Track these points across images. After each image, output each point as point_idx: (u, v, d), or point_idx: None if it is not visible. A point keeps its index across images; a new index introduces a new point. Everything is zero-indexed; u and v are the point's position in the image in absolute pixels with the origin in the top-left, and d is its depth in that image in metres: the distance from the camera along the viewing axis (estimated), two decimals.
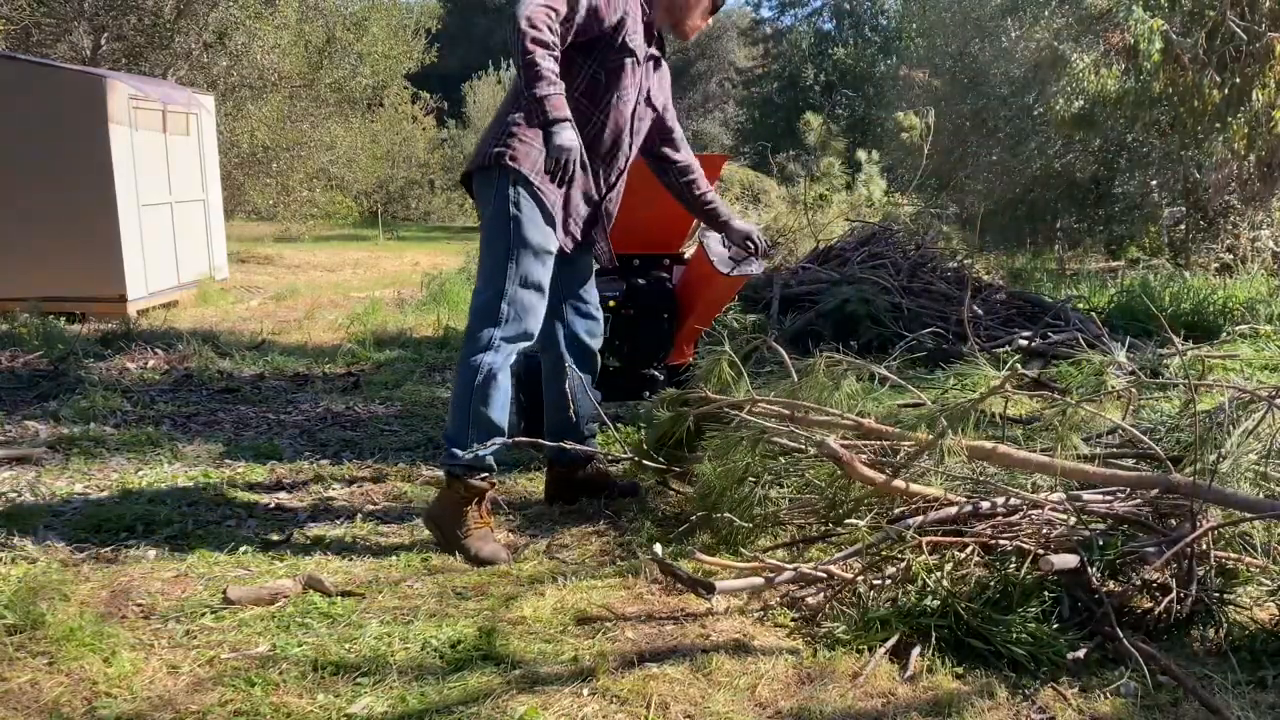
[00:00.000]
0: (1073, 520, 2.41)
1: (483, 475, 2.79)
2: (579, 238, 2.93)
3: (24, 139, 6.82)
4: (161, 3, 11.79)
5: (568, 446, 3.00)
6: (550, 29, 2.58)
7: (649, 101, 2.97)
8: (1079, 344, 5.25)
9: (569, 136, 2.55)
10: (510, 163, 2.72)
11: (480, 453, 2.72)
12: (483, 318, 2.75)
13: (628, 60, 2.81)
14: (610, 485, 3.24)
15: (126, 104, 7.09)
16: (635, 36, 2.81)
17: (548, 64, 2.55)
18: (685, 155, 3.16)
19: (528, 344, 2.82)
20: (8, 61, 7.36)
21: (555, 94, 2.55)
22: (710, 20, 3.07)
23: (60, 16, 11.48)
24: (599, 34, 2.74)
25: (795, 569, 2.36)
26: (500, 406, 2.76)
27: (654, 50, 2.95)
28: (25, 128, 6.81)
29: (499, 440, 2.77)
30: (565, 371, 3.05)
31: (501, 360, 2.74)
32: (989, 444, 2.64)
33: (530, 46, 2.54)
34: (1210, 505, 2.29)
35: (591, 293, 3.11)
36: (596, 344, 3.13)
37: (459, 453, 2.73)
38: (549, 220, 2.78)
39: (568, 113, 2.57)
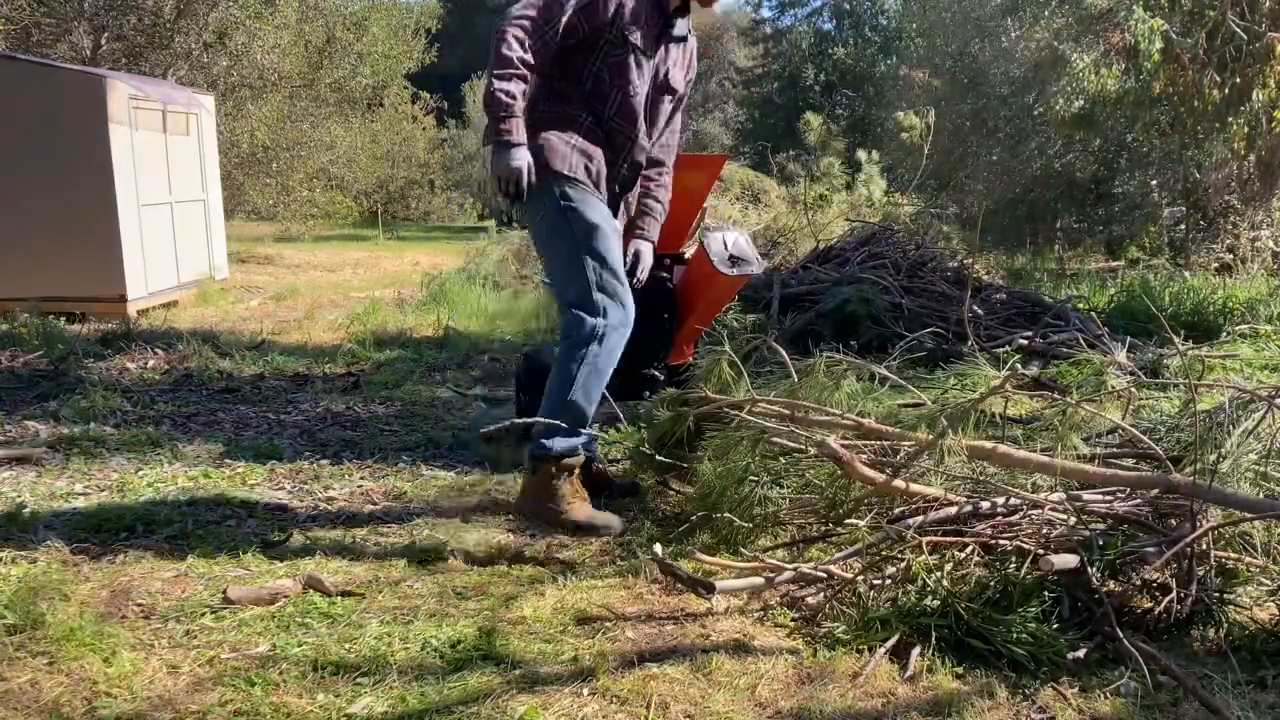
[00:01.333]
0: (1073, 520, 2.41)
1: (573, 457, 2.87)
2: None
3: (24, 139, 6.82)
4: (161, 3, 11.79)
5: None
6: (523, 45, 2.66)
7: (667, 86, 2.96)
8: (1079, 344, 5.26)
9: (516, 156, 2.67)
10: (546, 168, 2.77)
11: (573, 440, 2.82)
12: (581, 311, 2.79)
13: (630, 54, 2.82)
14: (610, 485, 3.25)
15: (126, 104, 7.09)
16: (634, 29, 2.81)
17: (507, 86, 2.65)
18: (661, 151, 3.14)
19: (628, 328, 2.85)
20: (8, 61, 7.36)
21: (509, 117, 2.66)
22: None
23: (60, 16, 11.49)
24: (594, 29, 2.76)
25: (795, 569, 2.36)
26: (596, 398, 2.83)
27: (676, 31, 2.93)
28: (25, 128, 6.81)
29: (586, 432, 2.86)
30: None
31: (605, 352, 2.79)
32: (989, 444, 2.64)
33: (497, 67, 2.65)
34: (1210, 505, 2.29)
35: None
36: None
37: (548, 443, 2.81)
38: (599, 199, 2.84)
39: (520, 136, 2.68)
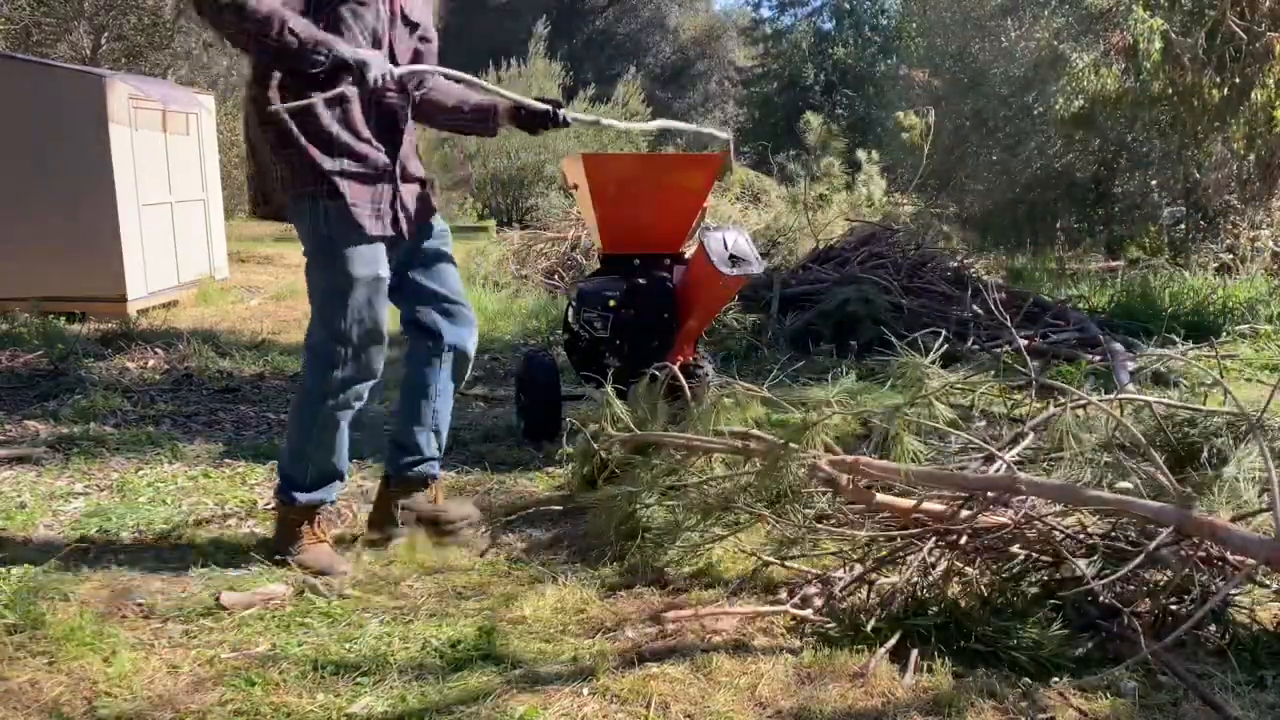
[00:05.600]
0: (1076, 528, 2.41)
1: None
2: None
3: (24, 139, 6.81)
4: (161, 3, 11.79)
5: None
6: None
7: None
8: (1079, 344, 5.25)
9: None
10: None
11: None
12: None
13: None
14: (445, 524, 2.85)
15: (126, 104, 7.09)
16: None
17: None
18: None
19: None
20: (8, 61, 7.35)
21: None
22: None
23: (60, 16, 11.49)
24: None
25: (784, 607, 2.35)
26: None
27: None
28: (25, 128, 6.80)
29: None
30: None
31: None
32: (849, 458, 2.54)
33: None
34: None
35: None
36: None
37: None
38: None
39: None
